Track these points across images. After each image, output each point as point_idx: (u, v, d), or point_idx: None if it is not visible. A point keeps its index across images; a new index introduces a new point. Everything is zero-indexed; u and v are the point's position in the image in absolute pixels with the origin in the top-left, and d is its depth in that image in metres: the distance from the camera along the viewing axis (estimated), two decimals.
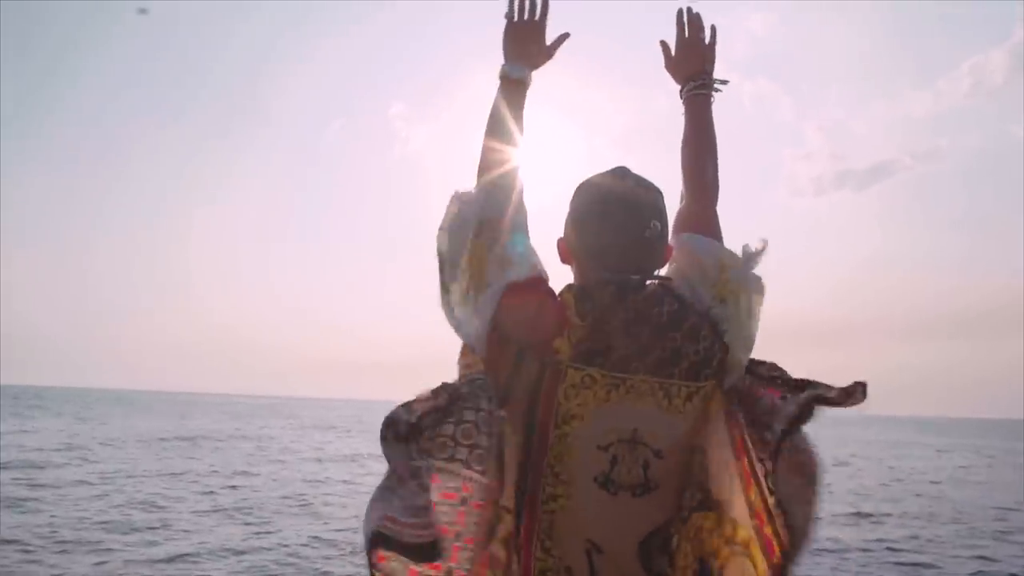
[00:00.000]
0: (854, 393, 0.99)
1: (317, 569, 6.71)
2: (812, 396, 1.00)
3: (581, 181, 1.19)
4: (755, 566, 1.01)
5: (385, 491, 0.96)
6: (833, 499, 11.65)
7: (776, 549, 0.98)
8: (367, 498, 0.96)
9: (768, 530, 1.01)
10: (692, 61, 1.33)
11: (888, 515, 10.77)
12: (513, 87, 1.21)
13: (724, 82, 1.32)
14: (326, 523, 8.98)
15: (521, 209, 1.15)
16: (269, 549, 7.39)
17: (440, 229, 1.13)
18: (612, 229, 1.12)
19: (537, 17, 1.25)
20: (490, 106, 1.20)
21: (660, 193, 1.17)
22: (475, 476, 0.99)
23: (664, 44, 1.37)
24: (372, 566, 0.93)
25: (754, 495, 1.04)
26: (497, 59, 1.23)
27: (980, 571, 7.50)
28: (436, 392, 1.04)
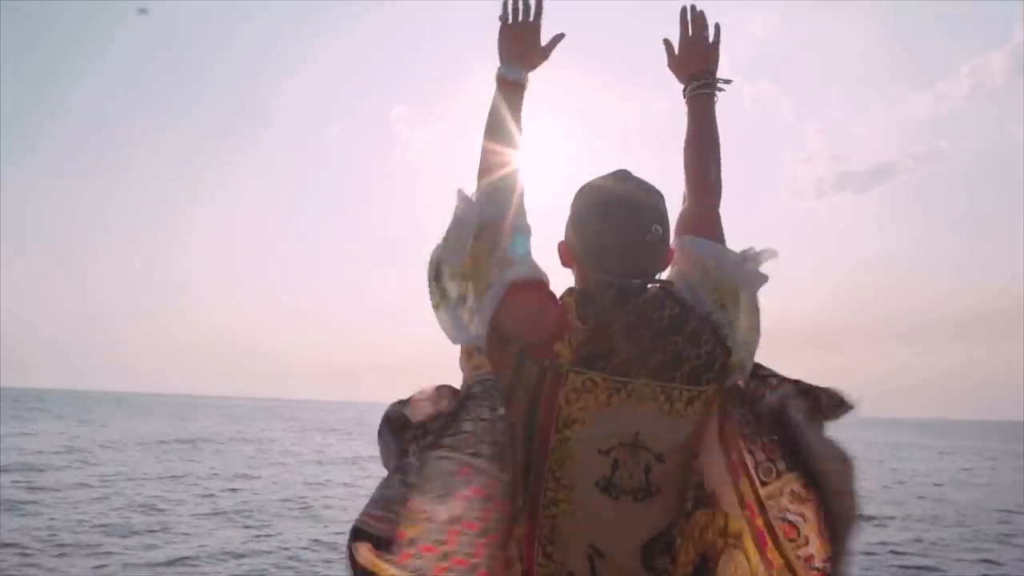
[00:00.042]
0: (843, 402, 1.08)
1: (317, 572, 6.70)
2: (804, 387, 1.06)
3: (582, 184, 1.18)
4: (748, 558, 1.01)
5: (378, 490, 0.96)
6: None
7: (768, 540, 0.98)
8: (367, 501, 0.96)
9: (760, 521, 1.01)
10: (696, 60, 1.31)
11: (891, 518, 10.75)
12: (510, 89, 1.20)
13: (728, 81, 1.30)
14: (326, 526, 8.97)
15: (521, 211, 1.15)
16: (269, 552, 7.38)
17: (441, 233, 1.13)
18: (613, 232, 1.11)
19: (531, 18, 1.25)
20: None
21: (662, 196, 1.17)
22: (500, 474, 1.00)
23: (667, 42, 1.36)
24: (351, 561, 0.90)
25: (744, 486, 1.04)
26: (498, 61, 1.23)
27: (985, 575, 7.49)
28: (439, 390, 1.04)
